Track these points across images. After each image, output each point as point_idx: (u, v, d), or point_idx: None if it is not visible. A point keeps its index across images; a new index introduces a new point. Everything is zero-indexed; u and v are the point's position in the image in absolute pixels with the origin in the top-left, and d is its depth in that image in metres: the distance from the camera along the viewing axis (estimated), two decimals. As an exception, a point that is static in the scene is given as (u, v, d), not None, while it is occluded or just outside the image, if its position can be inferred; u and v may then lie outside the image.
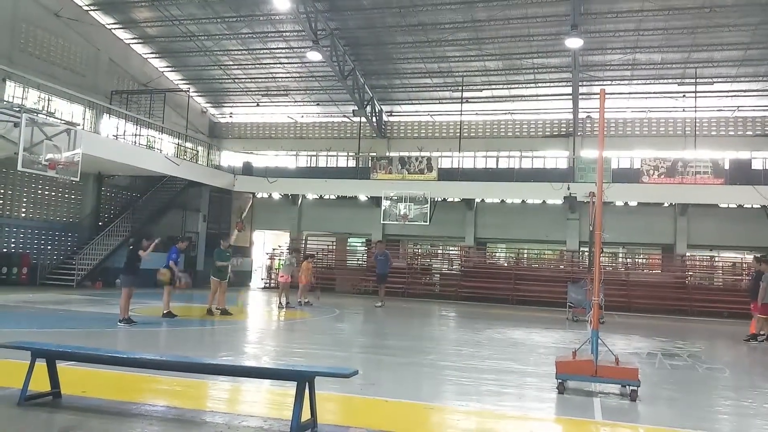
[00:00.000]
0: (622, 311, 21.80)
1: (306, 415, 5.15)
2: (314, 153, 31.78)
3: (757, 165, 25.40)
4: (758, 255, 18.00)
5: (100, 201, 25.66)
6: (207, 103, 32.51)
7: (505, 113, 29.22)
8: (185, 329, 12.56)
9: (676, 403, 7.26)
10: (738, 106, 26.35)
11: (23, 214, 22.79)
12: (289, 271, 18.21)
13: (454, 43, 24.35)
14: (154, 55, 28.35)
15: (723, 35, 22.14)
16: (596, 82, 25.39)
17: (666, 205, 25.75)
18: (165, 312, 13.33)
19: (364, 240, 30.58)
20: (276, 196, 30.41)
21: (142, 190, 27.10)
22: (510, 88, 27.45)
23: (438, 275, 28.36)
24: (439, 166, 26.60)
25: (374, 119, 29.36)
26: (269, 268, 29.29)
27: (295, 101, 30.75)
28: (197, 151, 29.64)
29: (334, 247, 30.23)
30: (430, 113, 30.18)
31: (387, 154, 29.20)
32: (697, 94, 24.68)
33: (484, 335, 13.69)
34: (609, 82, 25.40)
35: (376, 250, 22.20)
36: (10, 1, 21.73)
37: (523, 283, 25.20)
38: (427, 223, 25.08)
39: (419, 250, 30.04)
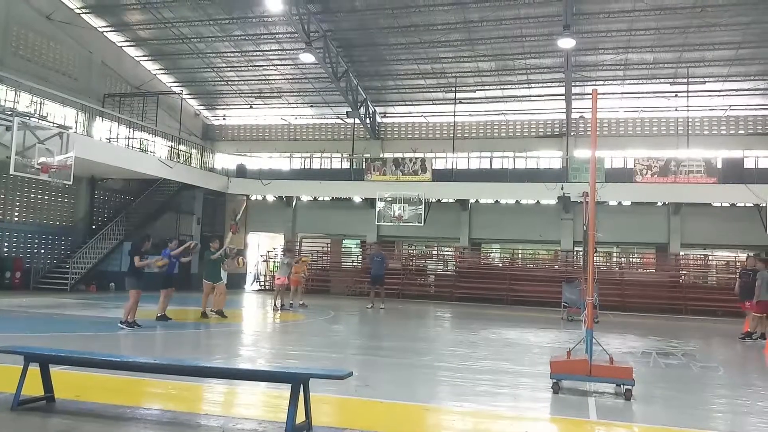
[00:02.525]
0: (617, 311, 21.86)
1: (301, 417, 5.15)
2: (308, 155, 31.74)
3: (749, 164, 25.49)
4: (751, 254, 18.11)
5: (93, 204, 25.59)
6: (200, 105, 32.45)
7: (499, 114, 29.27)
8: (180, 332, 12.52)
9: (671, 402, 7.27)
10: (730, 106, 26.48)
11: (16, 218, 22.68)
12: (285, 272, 18.11)
13: (447, 44, 24.39)
14: (146, 58, 28.28)
15: (714, 35, 22.25)
16: (589, 83, 25.47)
17: (659, 204, 25.84)
18: (159, 315, 13.31)
19: (359, 241, 30.57)
20: (270, 198, 30.37)
21: (136, 193, 27.00)
22: (503, 89, 27.50)
23: (433, 276, 28.38)
24: (433, 167, 26.61)
25: (368, 120, 29.36)
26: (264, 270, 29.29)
27: (289, 103, 30.72)
28: (191, 154, 29.57)
29: (329, 248, 30.22)
30: (424, 114, 30.20)
31: (381, 155, 29.20)
32: (689, 94, 24.78)
33: (479, 336, 13.71)
34: (601, 82, 25.49)
35: (371, 251, 22.22)
36: (1, 4, 21.66)
37: (518, 283, 25.23)
38: (422, 224, 25.08)
39: (414, 251, 30.05)
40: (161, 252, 13.66)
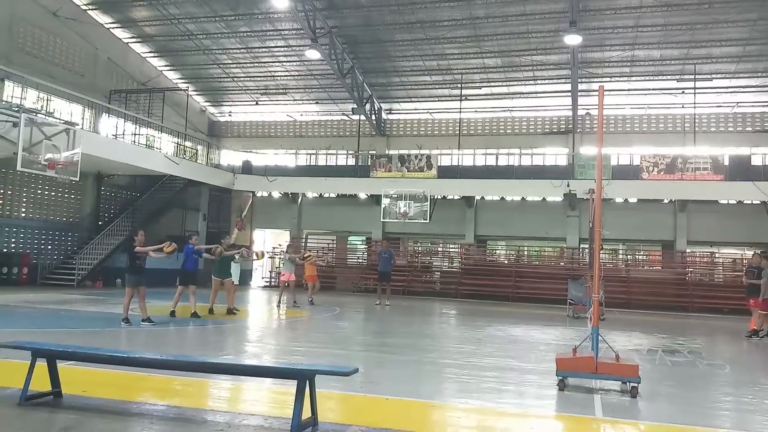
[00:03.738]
0: (623, 308, 21.81)
1: (307, 413, 5.16)
2: (314, 151, 31.78)
3: (756, 161, 25.40)
4: (758, 251, 18.00)
5: (99, 200, 25.67)
6: (206, 101, 32.50)
7: (505, 110, 29.21)
8: (186, 328, 12.55)
9: (677, 400, 7.26)
10: (737, 102, 26.35)
11: (23, 214, 22.79)
12: (289, 268, 18.03)
13: (453, 40, 24.34)
14: (152, 54, 28.33)
15: (721, 31, 22.13)
16: (595, 79, 25.37)
17: (666, 201, 25.75)
18: (172, 311, 13.31)
19: (364, 238, 30.58)
20: (276, 194, 30.40)
21: (142, 190, 27.09)
22: (509, 86, 27.45)
23: (438, 273, 28.37)
24: (438, 164, 26.59)
25: (373, 117, 29.34)
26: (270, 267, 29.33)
27: (294, 99, 30.74)
28: (197, 150, 29.64)
29: (335, 245, 30.23)
30: (430, 111, 30.16)
31: (386, 152, 29.19)
32: (696, 91, 24.66)
33: (484, 333, 13.70)
34: (608, 79, 25.37)
35: (381, 248, 22.20)
36: (7, 0, 21.71)
37: (524, 280, 25.22)
38: (427, 221, 25.07)
39: (419, 248, 30.04)
40: (183, 248, 13.64)
